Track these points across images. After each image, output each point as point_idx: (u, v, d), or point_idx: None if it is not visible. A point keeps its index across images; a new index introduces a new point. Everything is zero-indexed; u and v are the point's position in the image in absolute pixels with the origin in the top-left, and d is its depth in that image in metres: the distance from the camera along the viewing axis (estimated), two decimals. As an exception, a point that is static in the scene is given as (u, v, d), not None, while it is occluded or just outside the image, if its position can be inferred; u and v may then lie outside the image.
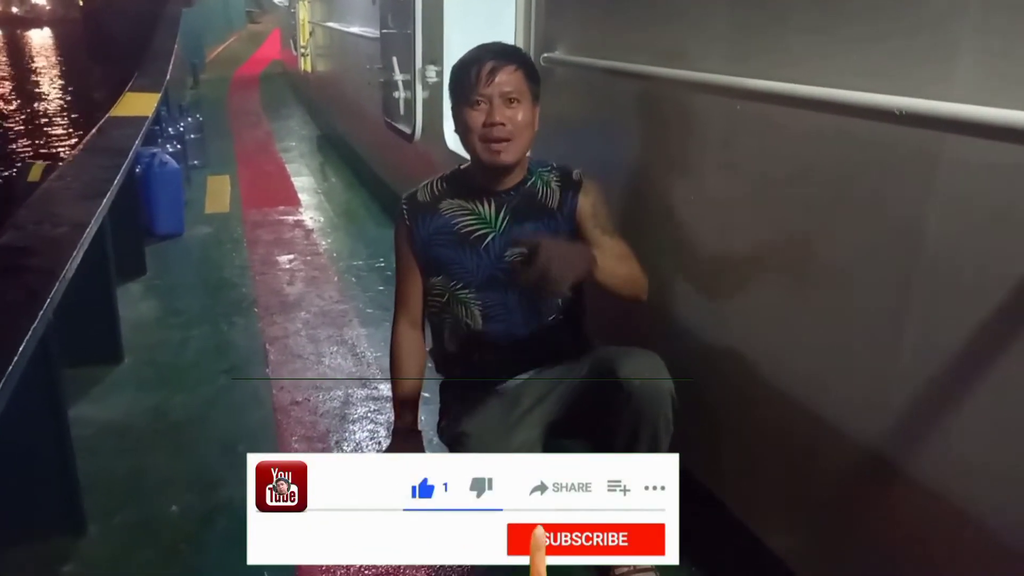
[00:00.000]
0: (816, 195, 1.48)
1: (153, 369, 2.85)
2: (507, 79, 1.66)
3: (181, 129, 5.79)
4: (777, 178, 1.59)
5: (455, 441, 1.70)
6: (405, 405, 1.78)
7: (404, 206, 1.79)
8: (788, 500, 1.66)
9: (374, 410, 2.58)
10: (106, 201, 2.71)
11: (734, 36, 1.70)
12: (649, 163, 2.07)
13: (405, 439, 1.75)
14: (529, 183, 1.75)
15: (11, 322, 1.65)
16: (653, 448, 1.66)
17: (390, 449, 1.78)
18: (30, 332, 1.60)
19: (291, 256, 4.18)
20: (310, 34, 8.07)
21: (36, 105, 17.18)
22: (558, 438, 1.80)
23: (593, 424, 1.70)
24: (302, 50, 8.21)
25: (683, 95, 1.87)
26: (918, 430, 1.30)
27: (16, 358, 1.49)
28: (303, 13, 8.07)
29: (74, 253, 2.15)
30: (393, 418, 1.81)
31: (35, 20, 52.80)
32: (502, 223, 1.73)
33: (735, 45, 1.69)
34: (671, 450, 1.72)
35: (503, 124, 1.65)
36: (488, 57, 1.67)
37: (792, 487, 1.64)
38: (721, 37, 1.74)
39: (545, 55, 2.55)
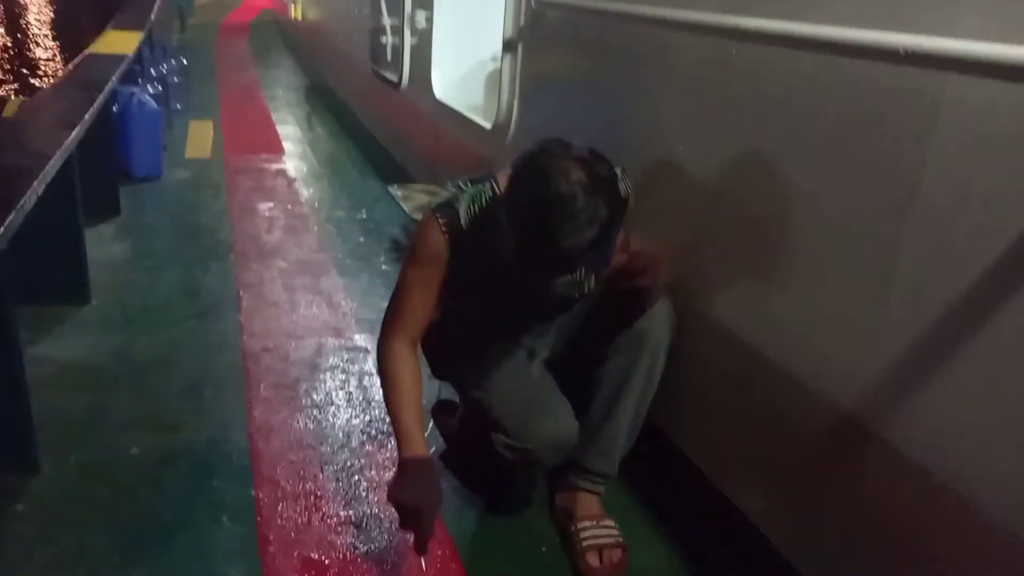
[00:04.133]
0: (810, 139, 1.41)
1: (120, 310, 2.77)
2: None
3: (164, 71, 5.62)
4: (770, 122, 1.51)
5: (464, 379, 1.76)
6: (412, 432, 1.51)
7: (445, 233, 1.54)
8: (764, 466, 1.61)
9: (347, 360, 2.51)
10: (75, 134, 2.59)
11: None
12: (640, 107, 1.98)
13: (420, 472, 1.48)
14: None
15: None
16: (650, 376, 1.71)
17: (402, 485, 1.47)
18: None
19: (271, 204, 4.07)
20: (302, -20, 7.85)
21: (23, 43, 16.78)
22: (563, 369, 1.81)
23: (597, 350, 1.74)
24: (293, -4, 7.99)
25: (675, 36, 1.78)
26: (900, 393, 1.25)
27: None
28: (295, -42, 7.83)
29: (34, 183, 2.05)
30: (398, 450, 1.52)
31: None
32: None
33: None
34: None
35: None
36: (582, 260, 1.40)
37: (769, 452, 1.59)
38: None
39: (537, -2, 2.45)
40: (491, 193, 1.57)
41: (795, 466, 1.50)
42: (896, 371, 1.25)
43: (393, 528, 1.75)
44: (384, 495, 1.81)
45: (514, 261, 1.40)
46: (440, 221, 1.56)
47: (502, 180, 1.55)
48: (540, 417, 1.64)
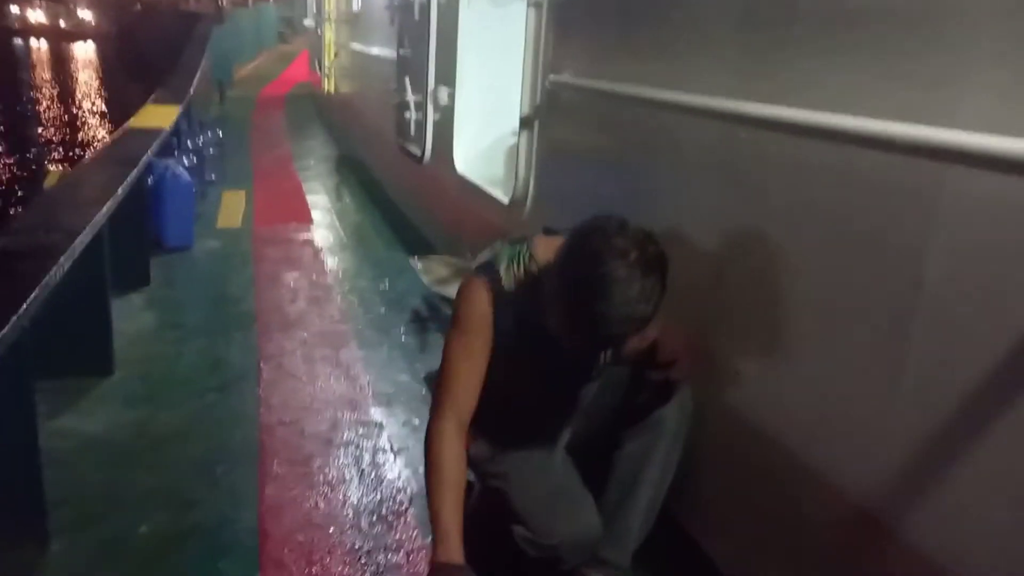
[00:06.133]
0: (815, 226, 1.40)
1: (143, 383, 2.80)
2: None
3: (200, 143, 5.82)
4: (776, 208, 1.51)
5: (486, 466, 1.70)
6: (449, 532, 1.39)
7: (490, 294, 1.52)
8: (779, 557, 1.55)
9: (361, 435, 2.50)
10: (105, 210, 2.69)
11: (738, 61, 1.63)
12: (651, 185, 1.99)
13: None
14: None
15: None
16: (666, 465, 1.67)
17: None
18: (-3, 339, 1.55)
19: (296, 274, 4.14)
20: (335, 55, 8.14)
21: (72, 113, 17.60)
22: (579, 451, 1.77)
23: (615, 435, 1.71)
24: (325, 71, 8.28)
25: (681, 119, 1.81)
26: (911, 484, 1.20)
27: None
28: (328, 34, 8.15)
29: (61, 260, 2.11)
30: (433, 547, 1.41)
31: (80, 34, 54.30)
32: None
33: (738, 70, 1.62)
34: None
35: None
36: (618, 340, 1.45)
37: (784, 544, 1.53)
38: (726, 62, 1.68)
39: (551, 77, 2.51)
40: (529, 256, 1.55)
41: (810, 558, 1.44)
42: (908, 463, 1.21)
43: (399, 615, 1.70)
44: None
45: (557, 332, 1.40)
46: (484, 281, 1.54)
47: (540, 245, 1.55)
48: (564, 514, 1.61)
